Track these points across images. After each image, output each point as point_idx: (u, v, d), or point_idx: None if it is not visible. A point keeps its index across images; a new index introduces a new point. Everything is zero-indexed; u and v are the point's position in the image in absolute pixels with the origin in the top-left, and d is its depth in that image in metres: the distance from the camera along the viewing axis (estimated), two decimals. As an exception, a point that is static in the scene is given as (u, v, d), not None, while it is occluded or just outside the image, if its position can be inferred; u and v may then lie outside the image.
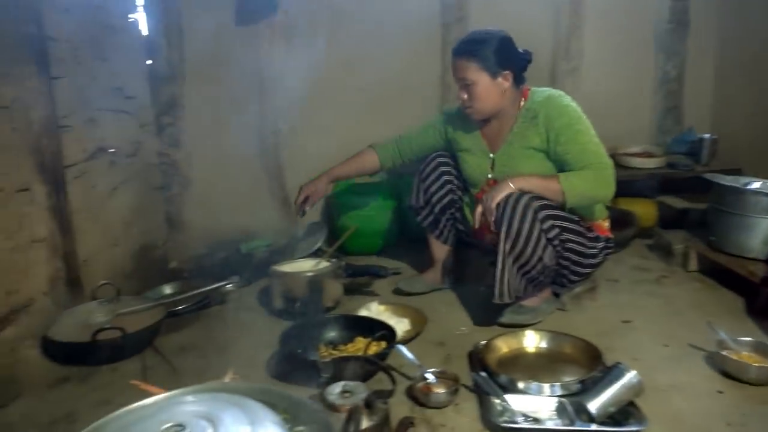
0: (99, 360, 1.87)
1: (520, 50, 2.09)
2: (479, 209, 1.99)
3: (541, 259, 1.98)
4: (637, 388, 1.50)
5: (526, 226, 1.92)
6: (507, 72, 2.03)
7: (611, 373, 1.53)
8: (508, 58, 2.03)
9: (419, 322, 2.10)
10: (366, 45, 3.00)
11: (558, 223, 1.98)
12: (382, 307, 2.20)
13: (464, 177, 2.29)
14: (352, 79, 3.03)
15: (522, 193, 1.93)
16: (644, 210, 3.08)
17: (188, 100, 2.98)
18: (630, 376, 1.50)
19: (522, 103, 2.11)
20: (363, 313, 2.14)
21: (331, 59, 2.95)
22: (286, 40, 2.98)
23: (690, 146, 3.18)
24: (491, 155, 2.18)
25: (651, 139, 3.37)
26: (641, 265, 2.71)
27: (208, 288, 2.26)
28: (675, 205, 3.06)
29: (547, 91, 2.11)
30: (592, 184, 1.97)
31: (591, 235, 2.10)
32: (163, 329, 2.09)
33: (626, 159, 3.13)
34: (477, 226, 2.03)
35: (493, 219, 1.95)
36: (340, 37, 2.98)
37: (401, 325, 2.06)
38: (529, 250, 1.95)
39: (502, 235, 1.94)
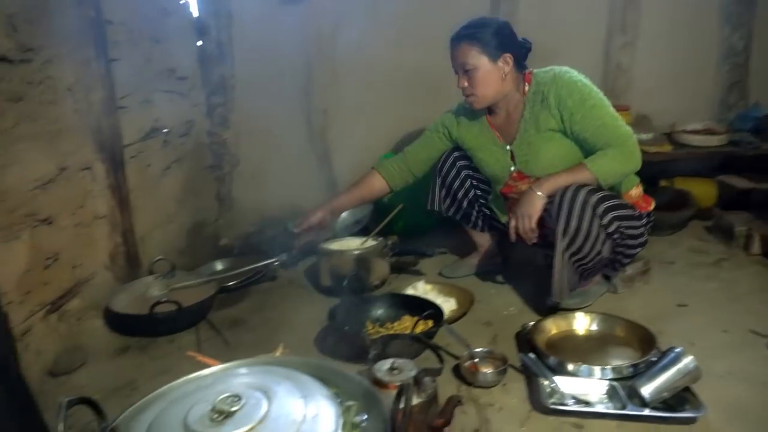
0: (156, 331, 1.96)
1: (520, 39, 2.02)
2: (513, 223, 1.92)
3: (600, 253, 1.90)
4: (693, 374, 1.45)
5: (585, 224, 1.83)
6: (508, 54, 1.95)
7: (666, 357, 1.49)
8: (508, 41, 1.97)
9: (466, 302, 2.09)
10: (414, 23, 2.95)
11: (616, 213, 1.88)
12: (428, 286, 2.20)
13: (484, 175, 2.20)
14: (400, 58, 2.99)
15: (575, 187, 1.84)
16: (703, 190, 2.95)
17: (237, 81, 3.02)
18: (686, 361, 1.45)
19: (527, 87, 2.02)
20: (410, 291, 2.15)
21: (378, 38, 2.93)
22: (333, 20, 2.97)
23: (755, 123, 3.00)
24: (508, 147, 2.08)
25: (713, 115, 3.20)
26: (699, 248, 2.60)
27: (258, 264, 2.31)
28: (737, 185, 2.91)
29: (551, 70, 2.00)
30: (620, 161, 1.89)
31: (636, 213, 2.00)
32: (216, 304, 2.16)
33: (685, 136, 2.99)
34: (513, 239, 1.95)
35: (534, 236, 1.90)
36: (388, 16, 2.94)
37: (448, 305, 2.06)
38: (588, 246, 1.87)
39: (559, 232, 1.85)
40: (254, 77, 3.00)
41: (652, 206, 2.12)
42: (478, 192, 2.27)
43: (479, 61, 1.94)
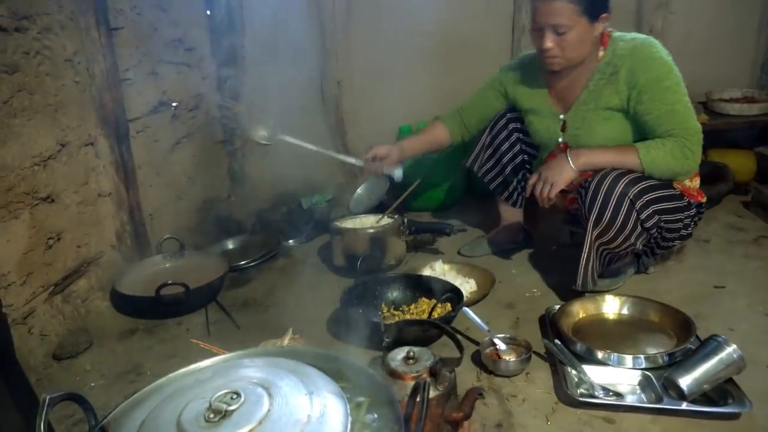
0: (164, 314, 1.90)
1: None
2: (532, 181, 1.81)
3: (633, 245, 1.77)
4: (737, 365, 1.33)
5: (621, 216, 1.69)
6: (605, 14, 1.74)
7: (706, 346, 1.37)
8: None
9: (486, 283, 1.98)
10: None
11: (658, 207, 1.73)
12: (446, 266, 2.09)
13: (534, 140, 2.07)
14: (416, 25, 2.85)
15: (617, 174, 1.70)
16: (741, 162, 2.77)
17: (248, 51, 2.90)
18: (730, 350, 1.34)
19: (601, 54, 1.81)
20: (427, 272, 2.04)
21: (393, 4, 2.78)
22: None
23: (800, 90, 2.81)
24: (561, 116, 1.93)
25: (753, 82, 3.01)
26: (736, 224, 2.45)
27: (269, 244, 2.24)
28: (779, 157, 2.73)
29: (633, 38, 1.79)
30: (677, 158, 1.70)
31: (683, 203, 1.83)
32: (227, 284, 2.09)
33: (722, 105, 2.81)
34: (528, 195, 1.86)
35: (549, 204, 1.80)
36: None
37: (467, 286, 1.96)
38: (621, 238, 1.73)
39: (591, 221, 1.72)
40: (266, 48, 2.88)
41: (705, 199, 1.94)
42: (526, 157, 2.13)
43: (575, 21, 1.70)
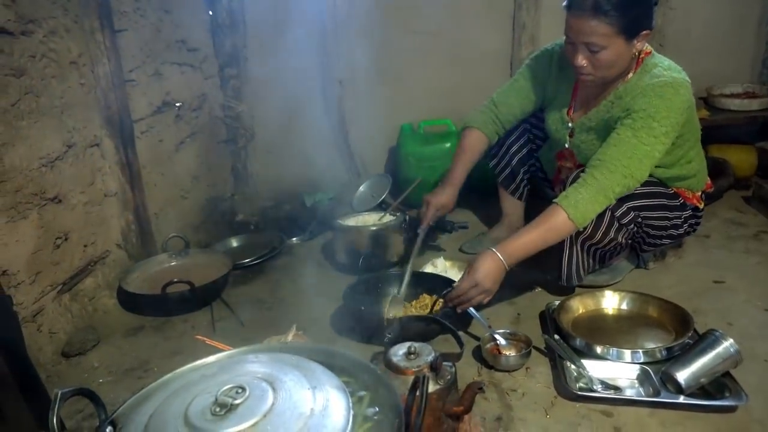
0: (170, 311, 1.93)
1: None
2: (460, 288, 1.61)
3: (614, 239, 1.77)
4: (734, 359, 1.35)
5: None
6: (645, 32, 1.62)
7: (704, 340, 1.39)
8: (647, 11, 1.60)
9: None
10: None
11: (632, 203, 1.72)
12: (448, 263, 2.11)
13: (546, 128, 2.02)
14: (417, 23, 2.86)
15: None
16: (741, 157, 2.79)
17: (251, 51, 2.93)
18: (726, 345, 1.36)
19: (630, 76, 1.70)
20: (429, 268, 2.06)
21: (395, 3, 2.79)
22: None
23: (801, 85, 2.82)
24: (570, 124, 1.88)
25: (754, 77, 3.01)
26: (737, 219, 2.46)
27: (273, 242, 2.26)
28: (779, 153, 2.74)
29: (661, 75, 1.65)
30: (596, 195, 1.59)
31: (675, 203, 1.84)
32: (231, 281, 2.11)
33: (722, 100, 2.82)
34: (452, 305, 1.65)
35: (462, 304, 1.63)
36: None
37: None
38: (599, 234, 1.73)
39: None
40: (268, 48, 2.90)
41: (702, 204, 1.95)
42: (533, 146, 2.11)
43: (610, 41, 1.57)
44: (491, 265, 1.60)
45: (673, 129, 1.64)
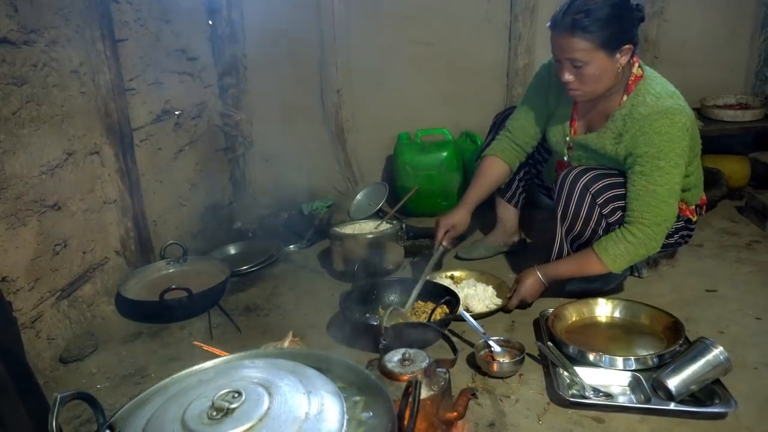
0: (168, 318, 1.94)
1: (633, 3, 1.68)
2: (514, 301, 1.88)
3: (601, 238, 1.81)
4: (723, 366, 1.37)
5: (584, 209, 1.77)
6: (627, 46, 1.65)
7: (694, 348, 1.41)
8: (628, 24, 1.64)
9: (505, 291, 2.01)
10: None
11: (621, 203, 1.75)
12: (461, 273, 2.14)
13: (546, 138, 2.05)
14: (415, 33, 2.90)
15: (583, 169, 1.78)
16: (734, 168, 2.81)
17: (249, 61, 2.96)
18: (716, 352, 1.37)
19: (624, 99, 1.75)
20: (445, 281, 2.07)
21: (392, 14, 2.83)
22: (346, -3, 2.87)
23: (793, 96, 2.85)
24: (567, 138, 1.93)
25: (747, 89, 3.05)
26: (729, 229, 2.48)
27: (270, 249, 2.27)
28: (772, 163, 2.77)
29: (655, 103, 1.68)
30: (638, 249, 1.71)
31: None
32: (228, 288, 2.13)
33: (716, 111, 2.85)
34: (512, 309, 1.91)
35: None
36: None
37: (486, 293, 1.97)
38: (588, 233, 1.80)
39: (558, 217, 1.82)
40: (266, 57, 2.94)
41: (695, 217, 1.98)
42: (532, 151, 2.14)
43: (592, 56, 1.63)
44: (527, 279, 1.87)
45: (681, 156, 1.69)
